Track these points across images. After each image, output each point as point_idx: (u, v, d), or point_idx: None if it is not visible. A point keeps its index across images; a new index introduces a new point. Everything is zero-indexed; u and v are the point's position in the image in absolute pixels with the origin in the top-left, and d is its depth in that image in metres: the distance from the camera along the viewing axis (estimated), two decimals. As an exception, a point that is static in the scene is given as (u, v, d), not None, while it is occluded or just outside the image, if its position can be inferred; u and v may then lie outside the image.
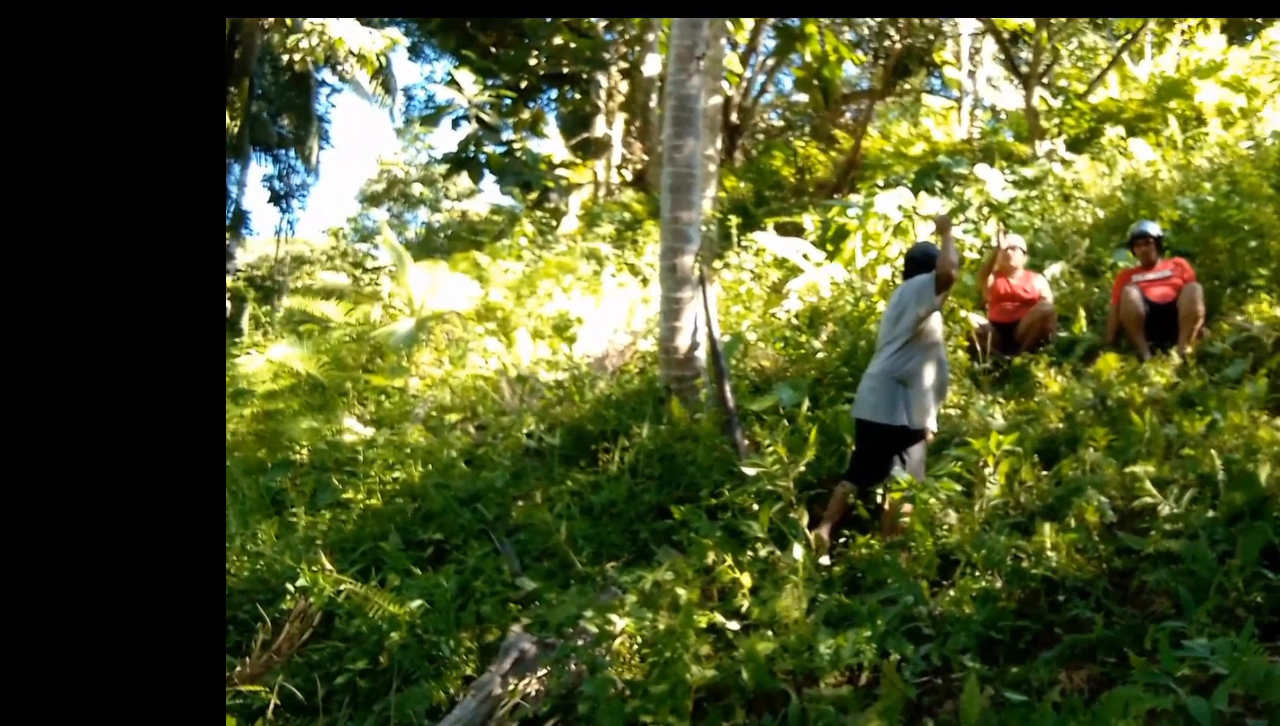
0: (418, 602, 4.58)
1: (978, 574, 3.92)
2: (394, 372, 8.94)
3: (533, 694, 3.86)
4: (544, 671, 3.92)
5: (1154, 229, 6.43)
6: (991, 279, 6.86)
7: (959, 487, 4.36)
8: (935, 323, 5.01)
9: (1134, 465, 4.37)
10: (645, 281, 11.07)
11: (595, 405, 7.42)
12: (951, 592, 3.84)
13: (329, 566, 4.80)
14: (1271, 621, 3.25)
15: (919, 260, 5.27)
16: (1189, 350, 5.78)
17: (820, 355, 7.08)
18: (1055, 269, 7.15)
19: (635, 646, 3.98)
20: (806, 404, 6.01)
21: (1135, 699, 2.82)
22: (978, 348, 6.55)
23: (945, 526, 4.24)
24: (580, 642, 3.94)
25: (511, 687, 3.81)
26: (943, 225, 5.13)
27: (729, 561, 4.39)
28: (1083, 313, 6.45)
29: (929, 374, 4.93)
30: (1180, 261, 6.45)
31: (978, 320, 6.72)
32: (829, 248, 9.29)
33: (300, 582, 4.61)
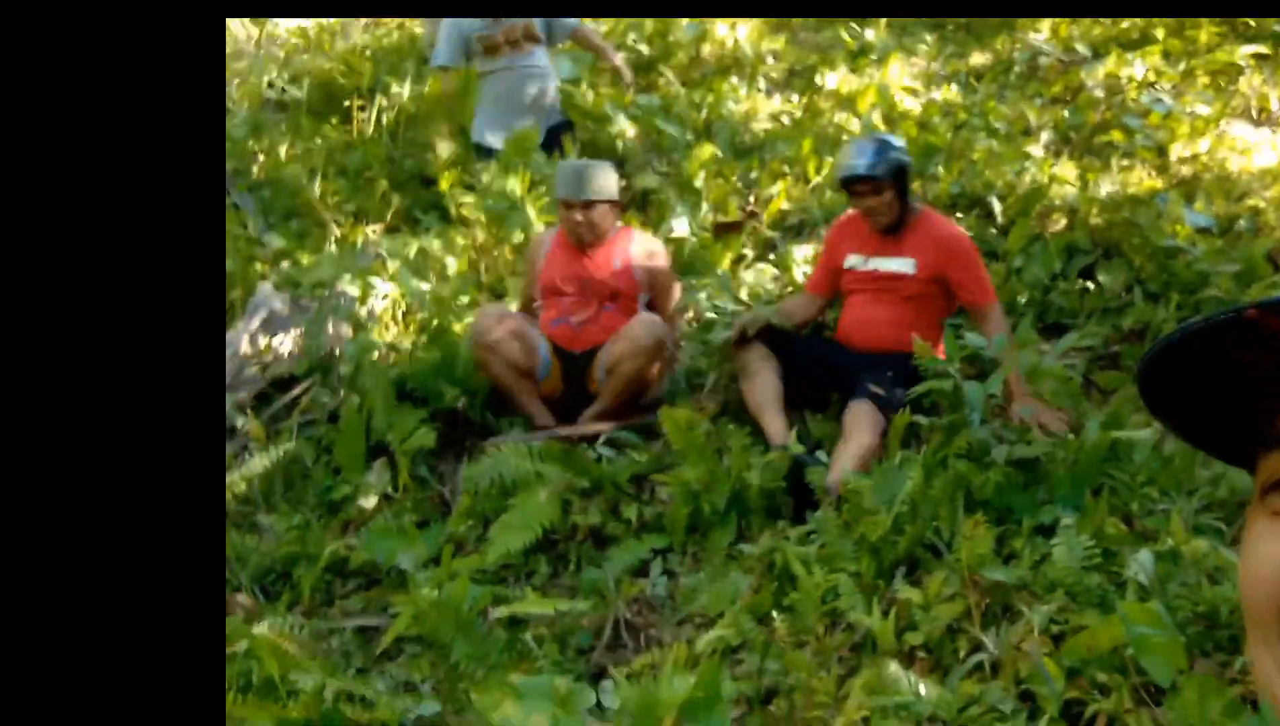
0: (143, 252, 4.02)
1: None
2: None
3: (286, 355, 3.52)
4: (299, 331, 3.57)
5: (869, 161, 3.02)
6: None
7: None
8: None
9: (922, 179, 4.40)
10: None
11: (347, 57, 6.64)
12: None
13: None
14: (1046, 321, 3.44)
15: None
16: None
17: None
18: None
19: (399, 313, 3.73)
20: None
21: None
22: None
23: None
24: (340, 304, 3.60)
25: (263, 345, 3.45)
26: None
27: (500, 234, 4.14)
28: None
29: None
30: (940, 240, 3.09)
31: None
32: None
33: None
